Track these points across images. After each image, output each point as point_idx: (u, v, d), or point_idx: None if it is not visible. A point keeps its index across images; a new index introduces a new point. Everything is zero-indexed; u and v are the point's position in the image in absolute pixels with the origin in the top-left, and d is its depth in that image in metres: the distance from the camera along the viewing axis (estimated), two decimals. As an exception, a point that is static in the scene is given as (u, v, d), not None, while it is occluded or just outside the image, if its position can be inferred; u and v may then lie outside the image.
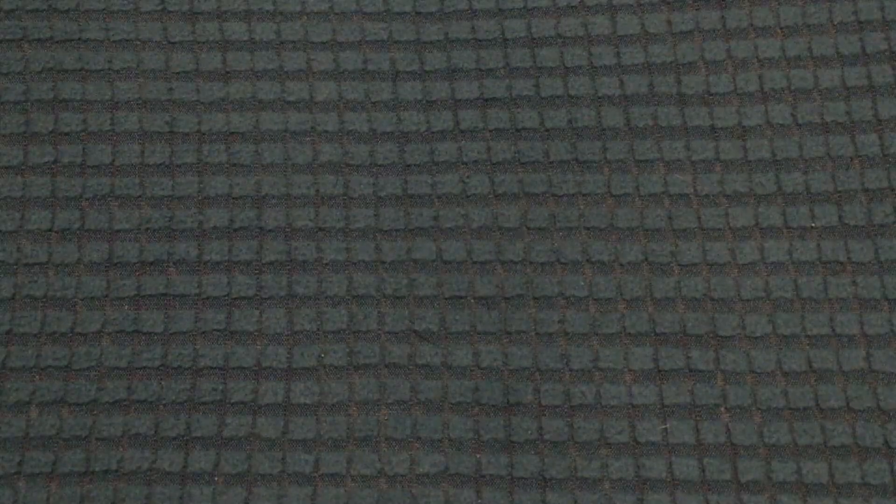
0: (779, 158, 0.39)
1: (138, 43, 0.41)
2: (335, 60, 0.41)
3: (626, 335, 0.37)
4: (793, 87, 0.40)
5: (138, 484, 0.35)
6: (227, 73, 0.41)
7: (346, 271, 0.37)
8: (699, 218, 0.39)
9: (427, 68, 0.41)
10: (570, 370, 0.37)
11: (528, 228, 0.39)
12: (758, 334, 0.37)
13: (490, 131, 0.40)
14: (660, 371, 0.37)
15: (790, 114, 0.40)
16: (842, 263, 0.38)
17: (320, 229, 0.38)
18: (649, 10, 0.41)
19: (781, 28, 0.41)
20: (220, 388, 0.37)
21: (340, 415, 0.36)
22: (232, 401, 0.37)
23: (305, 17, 0.42)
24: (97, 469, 0.36)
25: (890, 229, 0.38)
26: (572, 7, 0.42)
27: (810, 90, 0.40)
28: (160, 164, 0.39)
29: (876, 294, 0.37)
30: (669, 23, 0.41)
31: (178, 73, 0.41)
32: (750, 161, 0.39)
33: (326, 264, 0.37)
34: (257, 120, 0.40)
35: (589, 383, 0.37)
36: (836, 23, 0.41)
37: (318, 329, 0.37)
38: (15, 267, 0.36)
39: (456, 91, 0.40)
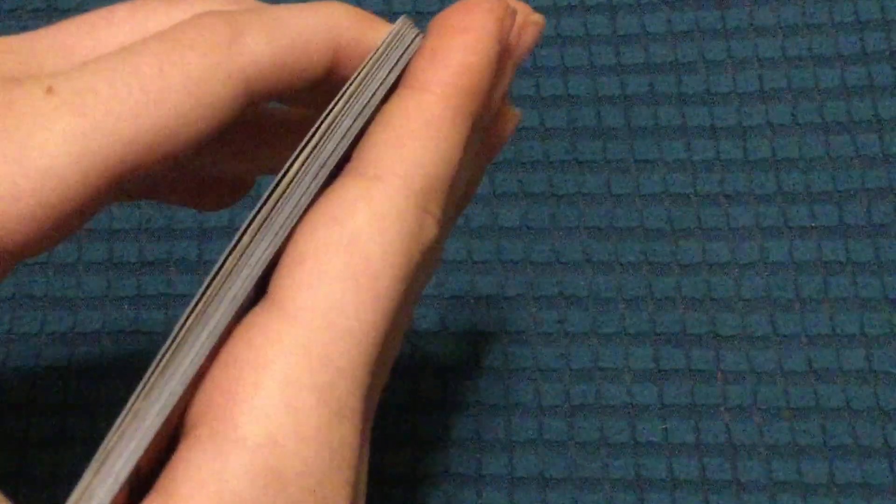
0: (779, 158, 0.39)
1: (138, 43, 0.41)
2: (335, 60, 0.41)
3: (626, 335, 0.37)
4: (793, 87, 0.40)
5: (138, 484, 0.35)
6: (227, 72, 0.41)
7: (346, 271, 0.37)
8: (699, 218, 0.39)
9: (427, 68, 0.41)
10: (570, 370, 0.37)
11: (528, 228, 0.39)
12: (758, 334, 0.37)
13: (490, 131, 0.40)
14: (660, 371, 0.37)
15: (790, 114, 0.40)
16: (842, 263, 0.38)
17: (320, 229, 0.38)
18: (649, 10, 0.41)
19: (781, 28, 0.41)
20: (220, 388, 0.37)
21: (340, 415, 0.36)
22: (232, 401, 0.37)
23: (305, 17, 0.42)
24: (97, 469, 0.36)
25: (890, 229, 0.38)
26: (572, 7, 0.42)
27: (810, 90, 0.40)
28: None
29: (876, 294, 0.37)
30: (669, 23, 0.41)
31: (178, 72, 0.41)
32: (750, 161, 0.39)
33: (326, 264, 0.37)
34: (257, 120, 0.40)
35: (589, 383, 0.37)
36: (836, 23, 0.41)
37: (318, 329, 0.37)
38: (15, 266, 0.37)
39: (456, 91, 0.40)
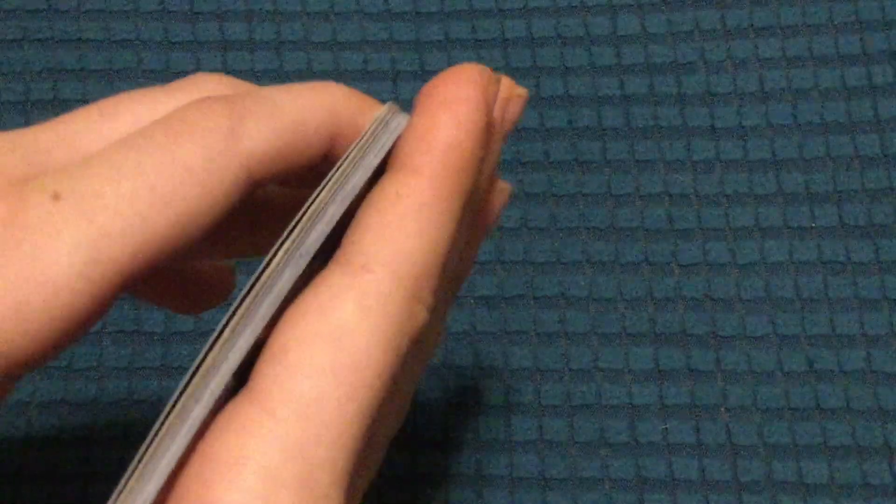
0: (779, 158, 0.39)
1: (138, 43, 0.41)
2: (335, 60, 0.41)
3: (626, 335, 0.37)
4: (793, 87, 0.40)
5: (138, 484, 0.35)
6: (228, 72, 0.41)
7: (347, 271, 0.37)
8: (699, 218, 0.39)
9: (427, 68, 0.41)
10: (570, 370, 0.37)
11: (528, 228, 0.39)
12: (758, 334, 0.37)
13: (490, 131, 0.40)
14: (660, 371, 0.37)
15: (790, 114, 0.40)
16: (842, 263, 0.38)
17: (320, 229, 0.38)
18: (649, 10, 0.41)
19: (781, 28, 0.41)
20: (221, 388, 0.37)
21: (340, 415, 0.36)
22: (232, 401, 0.37)
23: (305, 17, 0.42)
24: (97, 469, 0.36)
25: (890, 229, 0.38)
26: (572, 7, 0.42)
27: (810, 90, 0.40)
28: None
29: (876, 294, 0.37)
30: (669, 23, 0.41)
31: (178, 73, 0.41)
32: (750, 161, 0.39)
33: (326, 264, 0.37)
34: (257, 120, 0.40)
35: (589, 383, 0.37)
36: (836, 23, 0.41)
37: (318, 329, 0.37)
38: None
39: (456, 91, 0.40)
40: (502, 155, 0.39)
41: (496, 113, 0.23)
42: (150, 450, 0.18)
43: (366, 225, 0.20)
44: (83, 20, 0.42)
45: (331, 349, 0.18)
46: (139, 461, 0.18)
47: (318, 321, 0.19)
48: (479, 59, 0.41)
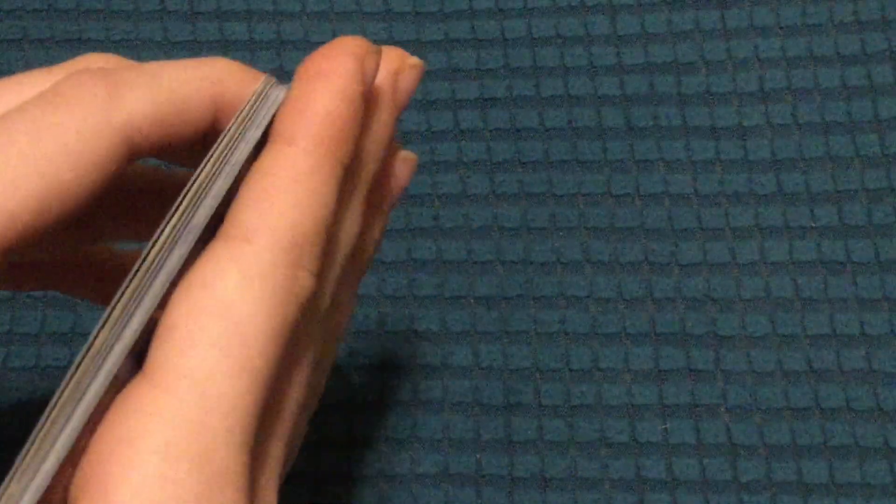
0: (779, 158, 0.39)
1: (138, 43, 0.41)
2: (335, 60, 0.41)
3: (626, 335, 0.37)
4: (793, 87, 0.40)
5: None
6: (227, 73, 0.41)
7: (346, 271, 0.37)
8: (699, 218, 0.39)
9: (427, 68, 0.41)
10: (570, 370, 0.37)
11: (528, 228, 0.39)
12: (758, 334, 0.37)
13: (490, 131, 0.40)
14: (660, 371, 0.37)
15: (790, 114, 0.40)
16: (842, 263, 0.38)
17: (320, 229, 0.38)
18: (649, 10, 0.41)
19: (781, 28, 0.41)
20: (220, 388, 0.37)
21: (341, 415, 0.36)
22: (232, 401, 0.37)
23: (305, 17, 0.42)
24: (97, 469, 0.36)
25: (890, 229, 0.38)
26: (572, 7, 0.42)
27: (810, 90, 0.40)
28: (161, 165, 0.39)
29: (876, 294, 0.37)
30: (669, 23, 0.41)
31: (178, 73, 0.41)
32: (750, 161, 0.39)
33: (326, 264, 0.37)
34: (257, 120, 0.40)
35: (589, 383, 0.37)
36: (836, 23, 0.41)
37: (318, 329, 0.37)
38: None
39: (456, 91, 0.40)
40: (501, 155, 0.39)
41: (385, 84, 0.23)
42: (45, 429, 0.18)
43: (246, 197, 0.21)
44: (83, 20, 0.42)
45: (216, 322, 0.18)
46: (34, 440, 0.18)
47: (203, 296, 0.19)
48: (479, 59, 0.41)
